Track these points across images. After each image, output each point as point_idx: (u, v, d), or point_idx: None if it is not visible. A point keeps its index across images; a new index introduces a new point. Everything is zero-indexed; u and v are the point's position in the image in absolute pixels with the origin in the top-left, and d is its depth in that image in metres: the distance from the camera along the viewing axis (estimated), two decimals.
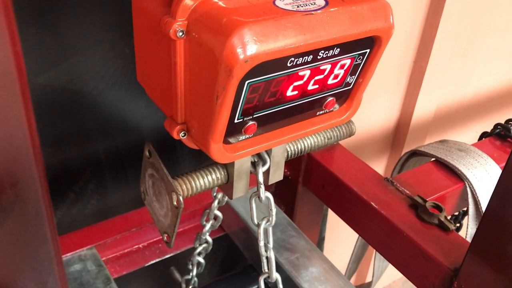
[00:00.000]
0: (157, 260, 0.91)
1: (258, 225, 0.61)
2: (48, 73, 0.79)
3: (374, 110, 1.43)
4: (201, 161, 1.05)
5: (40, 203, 0.27)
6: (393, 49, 1.33)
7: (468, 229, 0.92)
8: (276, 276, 0.64)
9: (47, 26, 0.76)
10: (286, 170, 1.01)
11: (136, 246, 0.89)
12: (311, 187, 0.97)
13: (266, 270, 0.64)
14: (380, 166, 1.62)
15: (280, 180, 1.04)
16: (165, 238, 0.59)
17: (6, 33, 0.24)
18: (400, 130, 1.52)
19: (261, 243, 0.62)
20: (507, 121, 1.06)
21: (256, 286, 0.89)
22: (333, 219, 1.20)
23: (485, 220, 0.66)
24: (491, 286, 0.66)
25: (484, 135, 1.06)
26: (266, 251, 0.63)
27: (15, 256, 0.29)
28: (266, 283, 0.68)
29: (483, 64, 1.65)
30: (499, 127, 1.04)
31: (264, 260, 0.63)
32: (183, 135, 0.52)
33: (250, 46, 0.42)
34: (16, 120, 0.26)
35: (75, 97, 0.84)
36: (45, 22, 0.75)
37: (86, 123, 0.88)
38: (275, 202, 0.63)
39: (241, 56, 0.42)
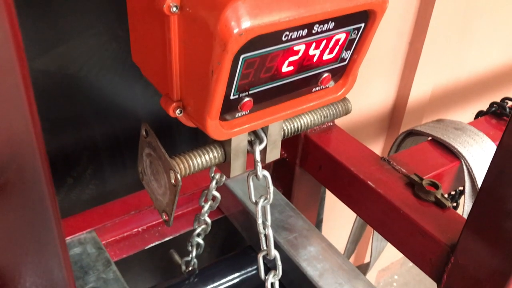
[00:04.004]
0: (157, 243, 0.92)
1: (256, 203, 0.62)
2: (42, 59, 0.79)
3: (371, 92, 1.43)
4: (197, 145, 1.05)
5: (40, 172, 0.27)
6: (389, 31, 1.33)
7: (465, 207, 0.93)
8: (274, 253, 0.64)
9: (40, 11, 0.75)
10: (283, 152, 1.01)
11: (136, 230, 0.89)
12: (308, 168, 0.98)
13: (265, 248, 0.64)
14: (377, 147, 1.63)
15: (277, 162, 1.04)
16: (164, 216, 0.59)
17: (5, 17, 0.24)
18: (396, 111, 1.53)
19: (259, 221, 0.62)
20: (503, 99, 1.06)
21: (256, 266, 0.90)
22: (330, 201, 1.21)
23: (481, 196, 0.66)
24: (487, 260, 0.67)
25: (480, 113, 1.06)
26: (264, 228, 0.63)
27: (17, 232, 0.29)
28: (265, 264, 0.68)
29: (479, 44, 1.64)
30: (494, 105, 1.05)
31: (263, 238, 0.64)
32: (179, 112, 0.52)
33: (244, 20, 0.42)
34: (16, 97, 0.26)
35: (70, 82, 0.84)
36: (38, 7, 0.75)
37: (82, 108, 0.88)
38: (272, 184, 0.63)
39: (236, 30, 0.42)
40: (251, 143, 0.60)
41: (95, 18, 0.80)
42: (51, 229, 0.28)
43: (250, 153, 0.61)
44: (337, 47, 0.53)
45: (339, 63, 0.56)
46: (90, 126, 0.90)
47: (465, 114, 1.81)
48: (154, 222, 0.91)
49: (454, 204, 1.12)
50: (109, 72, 0.86)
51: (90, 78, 0.85)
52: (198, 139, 1.04)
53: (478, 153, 0.91)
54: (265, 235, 0.64)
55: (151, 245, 0.92)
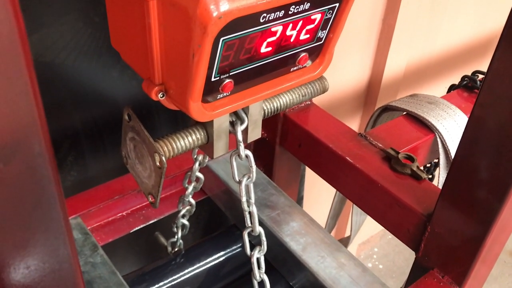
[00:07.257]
0: (142, 226, 0.93)
1: (240, 182, 0.63)
2: None
3: (346, 69, 1.45)
4: (177, 127, 1.06)
5: (44, 153, 0.28)
6: (362, 8, 1.34)
7: (440, 178, 0.96)
8: (259, 229, 0.66)
9: None
10: (263, 132, 1.02)
11: (120, 214, 0.90)
12: (288, 146, 1.00)
13: (250, 225, 0.66)
14: (354, 123, 1.66)
15: (258, 142, 1.06)
16: (150, 199, 0.60)
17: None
18: (372, 88, 1.55)
19: (243, 199, 0.64)
20: (474, 73, 1.09)
21: (240, 244, 0.92)
22: (310, 178, 1.23)
23: (454, 167, 0.69)
24: (462, 228, 0.70)
25: (452, 87, 1.09)
26: (248, 206, 0.65)
27: (26, 212, 0.29)
28: (250, 241, 0.70)
29: (450, 19, 1.67)
30: (466, 79, 1.08)
31: (247, 215, 0.66)
32: (161, 96, 0.53)
33: (223, 3, 0.43)
34: (22, 83, 0.27)
35: (48, 69, 0.83)
36: None
37: (61, 95, 0.87)
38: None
39: (215, 13, 0.43)
40: (232, 124, 0.62)
41: (69, 4, 0.80)
42: (56, 208, 0.29)
43: (232, 133, 0.62)
44: (313, 27, 0.54)
45: (315, 42, 0.57)
46: (69, 113, 0.90)
47: (438, 88, 1.85)
48: (138, 206, 0.92)
49: (430, 176, 1.16)
50: (86, 58, 0.86)
51: (67, 65, 0.84)
52: (178, 121, 1.04)
53: (451, 125, 0.94)
54: (249, 213, 0.66)
55: (136, 228, 0.93)
